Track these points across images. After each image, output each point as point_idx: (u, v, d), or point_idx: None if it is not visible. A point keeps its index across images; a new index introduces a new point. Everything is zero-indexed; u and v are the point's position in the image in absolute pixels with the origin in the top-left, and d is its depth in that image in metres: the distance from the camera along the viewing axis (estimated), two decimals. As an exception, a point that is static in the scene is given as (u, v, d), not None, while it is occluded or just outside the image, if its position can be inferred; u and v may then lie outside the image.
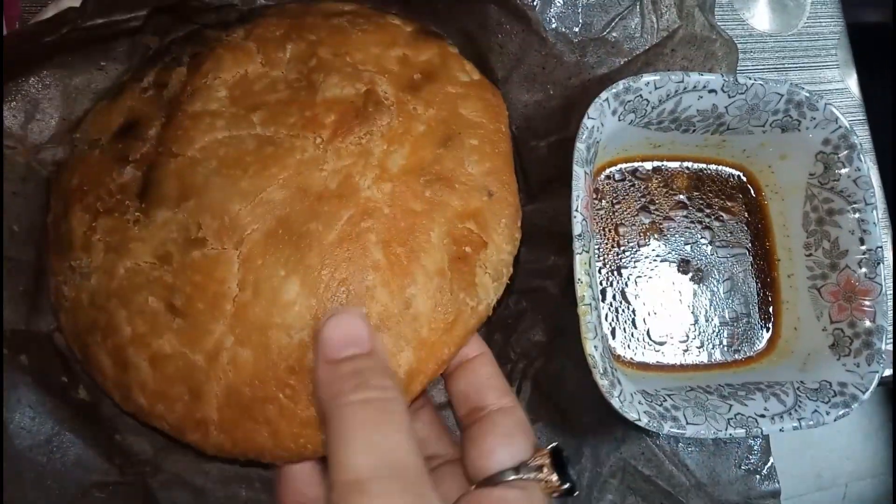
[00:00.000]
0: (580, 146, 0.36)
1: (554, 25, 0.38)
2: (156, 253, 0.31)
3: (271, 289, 0.30)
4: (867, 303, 0.39)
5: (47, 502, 0.32)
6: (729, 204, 0.44)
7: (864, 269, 0.39)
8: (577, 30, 0.38)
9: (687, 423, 0.35)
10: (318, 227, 0.30)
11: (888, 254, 0.39)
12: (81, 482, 0.33)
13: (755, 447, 0.42)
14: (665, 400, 0.36)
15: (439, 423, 0.35)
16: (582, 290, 0.35)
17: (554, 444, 0.30)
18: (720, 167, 0.44)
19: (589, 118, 0.36)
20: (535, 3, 0.37)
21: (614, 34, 0.38)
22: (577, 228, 0.35)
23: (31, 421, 0.31)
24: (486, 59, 0.39)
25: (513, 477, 0.29)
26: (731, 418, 0.36)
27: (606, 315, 0.41)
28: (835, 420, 0.37)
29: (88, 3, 0.32)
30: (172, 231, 0.31)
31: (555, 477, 0.29)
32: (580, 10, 0.37)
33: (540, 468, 0.29)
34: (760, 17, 0.48)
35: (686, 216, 0.43)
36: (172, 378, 0.31)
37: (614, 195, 0.43)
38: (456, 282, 0.32)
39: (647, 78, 0.37)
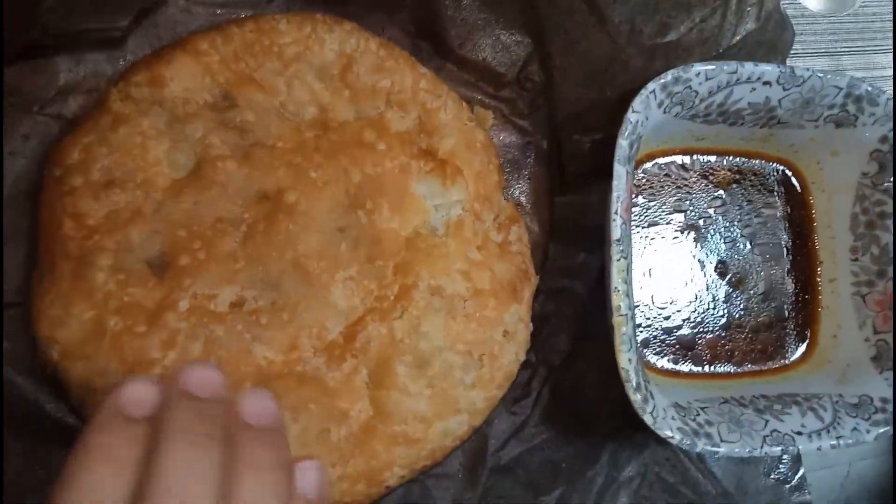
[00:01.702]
0: (623, 143, 0.33)
1: (629, 22, 0.35)
2: None
3: None
4: (916, 315, 0.37)
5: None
6: (771, 200, 0.41)
7: (915, 279, 0.37)
8: (652, 29, 0.34)
9: (721, 441, 0.33)
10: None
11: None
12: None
13: (785, 456, 0.40)
14: (699, 414, 0.35)
15: None
16: (618, 300, 0.32)
17: None
18: (764, 161, 0.41)
19: (634, 112, 0.33)
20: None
21: (691, 36, 0.35)
22: (615, 232, 0.32)
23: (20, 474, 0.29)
24: (546, 40, 0.36)
25: None
26: (768, 435, 0.34)
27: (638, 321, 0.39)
28: (874, 439, 0.35)
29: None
30: None
31: None
32: (661, 8, 0.34)
33: None
34: (814, -5, 0.45)
35: (725, 213, 0.41)
36: None
37: (650, 190, 0.40)
38: None
39: (699, 68, 0.34)
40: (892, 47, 0.45)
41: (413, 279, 0.33)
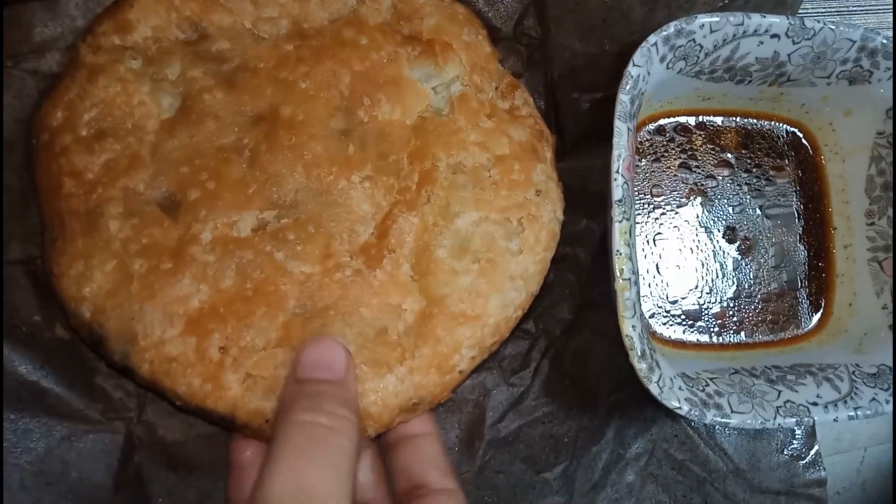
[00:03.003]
0: (623, 98, 0.31)
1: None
2: None
3: None
4: (936, 279, 0.35)
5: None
6: (781, 164, 0.39)
7: (934, 242, 0.35)
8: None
9: (732, 412, 0.32)
10: None
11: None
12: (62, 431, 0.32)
13: (799, 431, 0.39)
14: (707, 385, 0.33)
15: (379, 469, 0.32)
16: (621, 264, 0.31)
17: None
18: (774, 123, 0.39)
19: (634, 66, 0.31)
20: None
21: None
22: (616, 193, 0.31)
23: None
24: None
25: None
26: (781, 406, 0.33)
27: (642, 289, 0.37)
28: (895, 409, 0.34)
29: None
30: None
31: None
32: None
33: None
34: (824, -49, 0.43)
35: (732, 177, 0.39)
36: None
37: (653, 153, 0.38)
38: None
39: (703, 20, 0.32)
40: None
41: (430, 162, 0.32)
